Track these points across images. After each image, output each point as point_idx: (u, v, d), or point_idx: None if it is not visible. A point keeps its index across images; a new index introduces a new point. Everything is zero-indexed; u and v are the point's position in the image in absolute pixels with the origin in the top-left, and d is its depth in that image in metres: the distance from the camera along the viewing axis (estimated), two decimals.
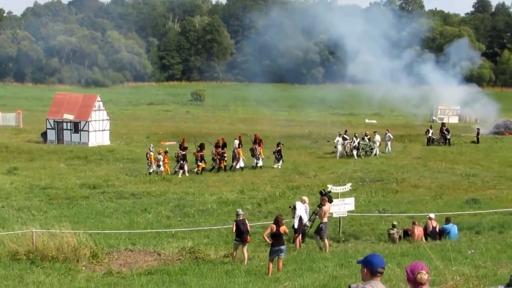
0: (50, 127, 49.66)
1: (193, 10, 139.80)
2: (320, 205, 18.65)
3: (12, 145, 46.18)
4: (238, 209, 18.52)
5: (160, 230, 21.50)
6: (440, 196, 27.78)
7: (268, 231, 15.92)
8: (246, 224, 17.41)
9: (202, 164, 35.71)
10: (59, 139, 49.14)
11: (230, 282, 14.64)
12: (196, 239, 20.22)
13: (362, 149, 41.09)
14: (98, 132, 49.37)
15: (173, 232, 21.19)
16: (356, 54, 63.63)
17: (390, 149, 43.10)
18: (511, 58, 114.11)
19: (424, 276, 6.57)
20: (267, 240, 16.06)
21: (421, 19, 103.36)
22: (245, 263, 16.84)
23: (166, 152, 36.17)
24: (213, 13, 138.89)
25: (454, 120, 65.46)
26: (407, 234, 19.77)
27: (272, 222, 16.13)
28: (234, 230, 17.40)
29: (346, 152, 41.25)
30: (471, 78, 76.29)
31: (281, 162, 36.57)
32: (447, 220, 20.19)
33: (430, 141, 46.74)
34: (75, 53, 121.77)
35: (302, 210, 19.06)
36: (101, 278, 15.67)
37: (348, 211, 21.08)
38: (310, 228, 19.68)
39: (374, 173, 33.85)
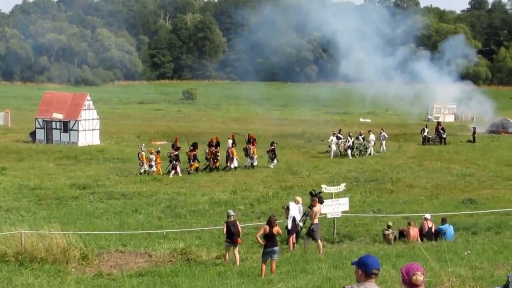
0: (39, 127, 49.17)
1: (185, 7, 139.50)
2: (311, 206, 18.37)
3: (0, 144, 45.78)
4: (229, 210, 18.39)
5: (151, 231, 21.32)
6: (436, 196, 27.66)
7: (261, 232, 15.76)
8: (237, 226, 17.22)
9: (195, 164, 35.44)
10: (48, 138, 48.66)
11: (222, 284, 14.48)
12: (187, 240, 20.04)
13: (357, 148, 40.87)
14: (88, 132, 48.91)
15: (164, 233, 20.99)
16: (349, 52, 63.51)
17: (385, 148, 42.93)
18: (507, 55, 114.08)
19: (419, 277, 6.51)
20: (260, 241, 15.89)
21: (416, 16, 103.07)
22: (238, 264, 16.65)
23: (158, 152, 35.83)
24: (204, 10, 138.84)
25: (450, 118, 65.31)
26: (402, 235, 19.62)
27: (265, 222, 15.97)
28: (225, 232, 17.23)
29: (340, 152, 41.02)
30: (467, 76, 76.27)
31: (275, 161, 36.34)
32: (443, 221, 20.08)
33: (425, 140, 46.65)
34: (64, 51, 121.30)
35: (296, 210, 18.96)
36: (91, 280, 15.54)
37: (343, 212, 20.91)
38: (302, 229, 19.46)
39: (369, 173, 33.69)
